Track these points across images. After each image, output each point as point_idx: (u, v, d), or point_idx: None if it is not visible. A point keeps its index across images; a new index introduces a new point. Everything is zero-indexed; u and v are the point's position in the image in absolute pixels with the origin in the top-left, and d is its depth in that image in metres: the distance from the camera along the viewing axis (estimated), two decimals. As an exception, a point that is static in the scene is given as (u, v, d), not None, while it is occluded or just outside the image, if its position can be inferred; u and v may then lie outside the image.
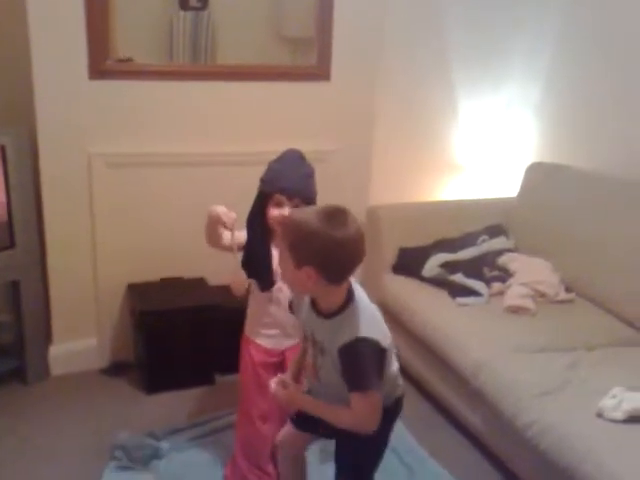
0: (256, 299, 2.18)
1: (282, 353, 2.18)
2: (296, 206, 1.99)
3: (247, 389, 2.21)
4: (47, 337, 2.91)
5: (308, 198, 2.04)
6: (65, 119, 2.68)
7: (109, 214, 2.84)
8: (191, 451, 2.43)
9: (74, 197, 2.79)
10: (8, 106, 2.73)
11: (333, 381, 1.59)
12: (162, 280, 2.99)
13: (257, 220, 2.06)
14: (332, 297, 1.57)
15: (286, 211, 1.98)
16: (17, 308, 2.80)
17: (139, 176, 2.85)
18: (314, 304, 1.63)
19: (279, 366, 2.14)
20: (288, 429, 1.89)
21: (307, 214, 1.56)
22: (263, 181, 2.07)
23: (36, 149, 2.68)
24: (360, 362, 1.51)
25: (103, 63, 2.68)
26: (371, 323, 1.56)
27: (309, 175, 2.08)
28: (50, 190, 2.75)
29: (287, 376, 1.78)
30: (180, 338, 2.83)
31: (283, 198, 2.01)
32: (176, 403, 2.74)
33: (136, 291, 2.93)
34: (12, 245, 2.66)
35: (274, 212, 2.02)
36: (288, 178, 2.03)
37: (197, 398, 2.78)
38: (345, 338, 1.51)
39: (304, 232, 1.51)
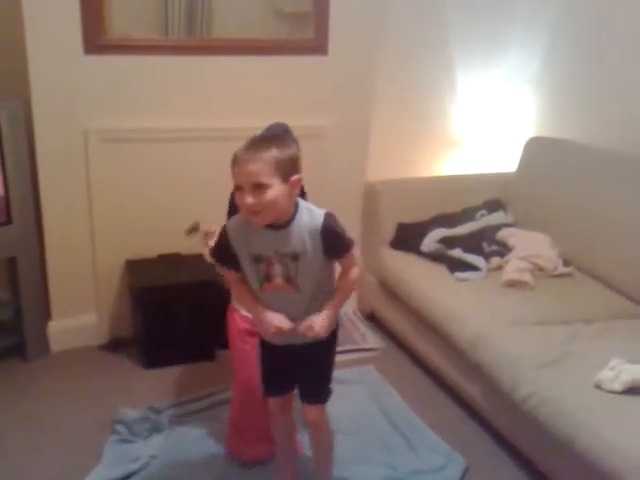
0: None
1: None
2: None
3: (237, 357, 2.24)
4: (46, 313, 2.91)
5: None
6: (60, 94, 2.66)
7: (106, 190, 2.83)
8: (191, 424, 2.44)
9: (71, 173, 2.77)
10: (2, 80, 2.70)
11: (310, 278, 1.75)
12: (160, 256, 2.98)
13: (232, 207, 1.91)
14: (293, 201, 1.71)
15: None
16: (15, 284, 2.80)
17: (136, 151, 2.83)
18: (271, 224, 1.69)
19: None
20: (272, 400, 1.98)
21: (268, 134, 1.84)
22: None
23: (32, 124, 2.66)
24: (339, 228, 1.73)
25: (98, 38, 2.65)
26: (310, 205, 1.78)
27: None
28: (46, 165, 2.73)
29: (278, 317, 1.76)
30: (179, 314, 2.83)
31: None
32: (176, 378, 2.75)
33: (134, 267, 2.92)
34: (9, 221, 2.65)
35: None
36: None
37: (197, 373, 2.79)
38: (318, 220, 1.71)
39: (283, 148, 1.65)
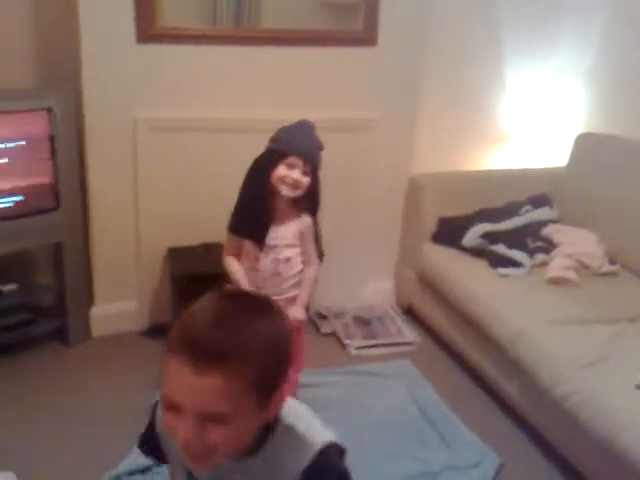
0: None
1: None
2: (306, 172, 2.04)
3: None
4: (89, 299, 2.97)
5: (317, 168, 2.09)
6: (111, 82, 2.70)
7: (152, 178, 2.87)
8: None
9: (118, 160, 2.81)
10: (55, 68, 2.77)
11: None
12: (202, 245, 3.01)
13: (261, 177, 2.08)
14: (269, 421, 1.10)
15: (296, 174, 2.02)
16: (60, 270, 2.85)
17: (183, 141, 2.86)
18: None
19: None
20: None
21: (248, 319, 1.03)
22: (277, 141, 2.09)
23: (82, 111, 2.71)
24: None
25: (150, 26, 2.68)
26: (312, 422, 1.17)
27: (320, 148, 2.11)
28: (95, 153, 2.78)
29: None
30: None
31: (299, 161, 2.03)
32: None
33: (176, 255, 2.96)
34: (57, 207, 2.71)
35: (283, 172, 2.04)
36: (306, 142, 2.07)
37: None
38: (305, 459, 1.10)
39: (275, 340, 1.04)
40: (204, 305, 1.04)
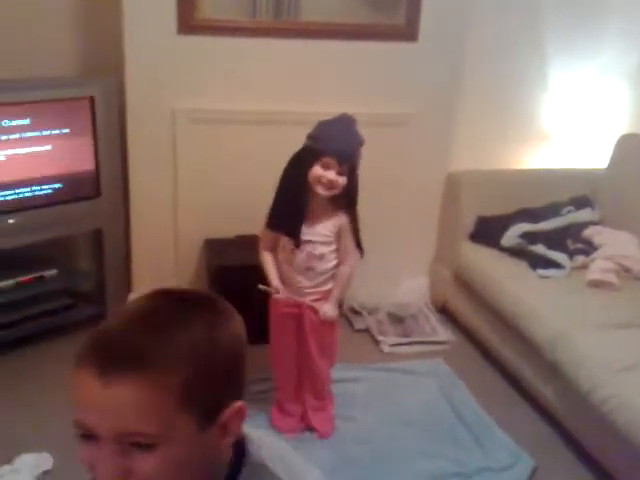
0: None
1: (299, 306, 2.22)
2: (342, 172, 2.00)
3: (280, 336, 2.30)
4: (128, 286, 3.00)
5: (355, 167, 2.06)
6: (152, 73, 2.72)
7: (191, 169, 2.89)
8: (254, 405, 2.44)
9: (158, 150, 2.84)
10: (98, 58, 2.81)
11: None
12: (238, 237, 3.02)
13: (297, 175, 2.06)
14: (225, 457, 0.90)
15: (331, 174, 2.00)
16: (100, 256, 2.89)
17: (221, 132, 2.87)
18: None
19: (297, 318, 2.23)
20: None
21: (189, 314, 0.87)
22: (314, 138, 2.06)
23: (123, 101, 2.74)
24: None
25: (191, 18, 2.70)
26: (293, 462, 0.96)
27: (360, 144, 2.07)
28: (136, 142, 2.81)
29: None
30: (252, 295, 2.86)
31: (334, 161, 2.00)
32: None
33: (213, 246, 2.98)
34: (98, 194, 2.75)
35: (319, 172, 2.01)
36: (342, 141, 2.03)
37: (267, 354, 2.81)
38: None
39: (214, 344, 0.85)
40: (126, 307, 0.90)
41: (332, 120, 2.08)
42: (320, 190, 2.04)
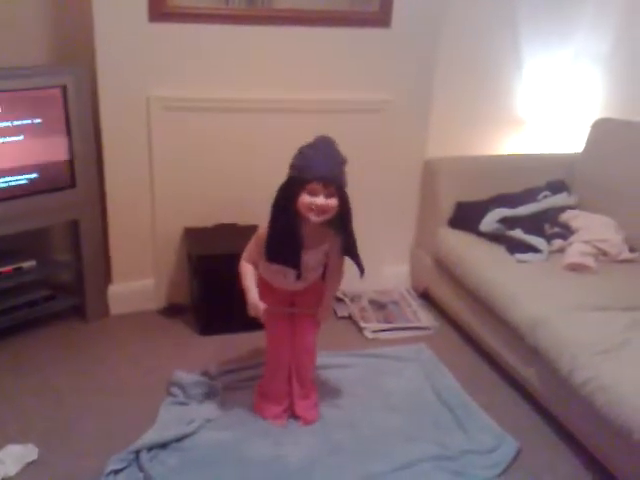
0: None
1: (290, 295, 2.27)
2: (330, 194, 1.98)
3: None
4: (106, 277, 2.98)
5: (342, 186, 2.02)
6: (125, 61, 2.68)
7: (167, 157, 2.86)
8: (243, 392, 2.47)
9: (133, 139, 2.81)
10: (70, 46, 2.76)
11: None
12: (217, 225, 3.01)
13: (287, 206, 2.02)
14: None
15: (320, 200, 1.97)
16: (77, 247, 2.86)
17: (197, 120, 2.84)
18: None
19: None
20: None
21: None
22: (296, 167, 2.01)
23: (96, 90, 2.70)
24: None
25: (163, 5, 2.65)
26: None
27: (343, 163, 2.03)
28: (110, 131, 2.77)
29: None
30: (234, 283, 2.85)
31: (319, 186, 1.97)
32: (229, 345, 2.78)
33: (192, 235, 2.96)
34: (73, 185, 2.71)
35: (307, 199, 1.98)
36: (324, 165, 1.98)
37: (250, 342, 2.80)
38: None
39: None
40: None
41: (311, 144, 2.02)
42: (313, 217, 2.00)
